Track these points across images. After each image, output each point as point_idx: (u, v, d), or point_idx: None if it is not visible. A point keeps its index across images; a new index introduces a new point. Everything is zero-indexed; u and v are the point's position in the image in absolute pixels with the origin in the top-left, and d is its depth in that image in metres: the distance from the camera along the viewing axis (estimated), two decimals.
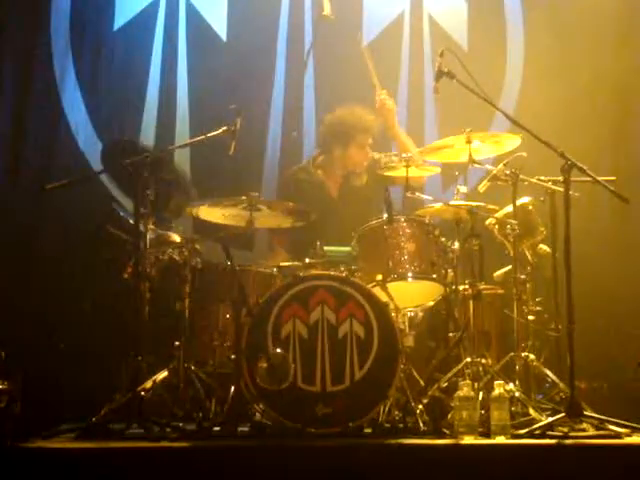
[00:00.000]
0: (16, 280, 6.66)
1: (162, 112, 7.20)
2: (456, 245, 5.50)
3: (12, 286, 6.62)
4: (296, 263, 5.50)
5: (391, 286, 5.30)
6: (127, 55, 7.17)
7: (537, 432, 4.75)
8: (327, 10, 6.48)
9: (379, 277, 5.29)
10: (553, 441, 4.60)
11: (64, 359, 6.32)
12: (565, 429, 4.79)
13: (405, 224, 5.45)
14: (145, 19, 7.27)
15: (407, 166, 5.52)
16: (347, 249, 5.59)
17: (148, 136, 7.13)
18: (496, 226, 5.69)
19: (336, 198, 6.46)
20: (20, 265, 6.70)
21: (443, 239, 5.49)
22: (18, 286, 6.64)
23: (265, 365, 4.79)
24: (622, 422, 4.79)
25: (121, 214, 5.60)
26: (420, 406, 5.00)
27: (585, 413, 4.83)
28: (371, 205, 6.17)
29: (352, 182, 6.46)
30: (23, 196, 6.79)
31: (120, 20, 7.23)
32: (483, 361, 5.29)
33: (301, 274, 5.14)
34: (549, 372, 5.47)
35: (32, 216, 6.80)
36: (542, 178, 5.69)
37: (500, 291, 5.87)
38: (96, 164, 6.88)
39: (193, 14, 7.31)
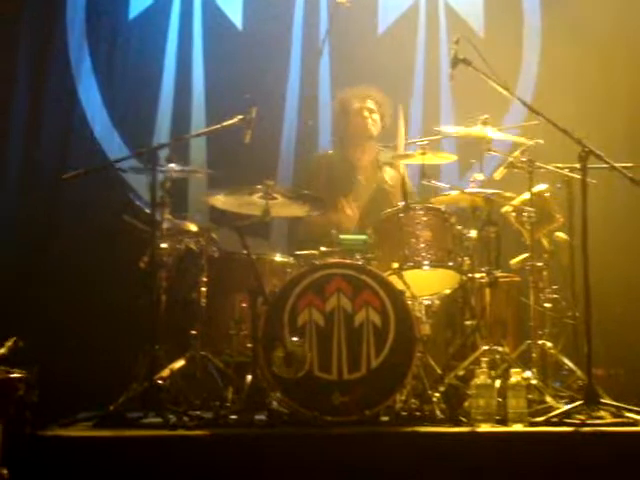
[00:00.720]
0: (32, 271, 6.68)
1: (178, 101, 7.19)
2: (472, 233, 5.49)
3: (29, 277, 6.65)
4: (312, 251, 5.49)
5: (407, 274, 5.29)
6: (142, 45, 7.16)
7: (554, 420, 4.75)
8: None
9: (395, 265, 5.29)
10: (570, 429, 4.60)
11: (82, 348, 6.34)
12: (582, 417, 4.77)
13: (421, 212, 5.44)
14: (160, 8, 7.26)
15: (423, 154, 5.51)
16: (363, 237, 5.58)
17: (164, 125, 7.13)
18: (513, 214, 5.68)
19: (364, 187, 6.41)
20: (35, 256, 6.72)
21: (459, 227, 5.47)
22: (35, 276, 6.66)
23: (282, 354, 4.80)
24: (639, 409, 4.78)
25: (138, 203, 5.60)
26: (437, 394, 5.00)
27: (602, 400, 4.82)
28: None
29: (386, 179, 6.36)
30: (39, 186, 6.81)
31: (135, 10, 7.22)
32: (500, 349, 5.30)
33: (317, 262, 5.15)
34: (566, 360, 5.46)
35: (49, 206, 6.82)
36: (559, 165, 5.66)
37: (517, 279, 5.86)
38: (112, 153, 6.91)
39: (209, 3, 7.29)
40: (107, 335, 6.33)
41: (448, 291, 5.56)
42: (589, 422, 4.70)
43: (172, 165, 5.37)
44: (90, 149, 6.97)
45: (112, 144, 6.98)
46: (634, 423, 4.69)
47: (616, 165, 4.99)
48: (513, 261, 5.88)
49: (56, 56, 7.07)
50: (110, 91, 7.10)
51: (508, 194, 5.60)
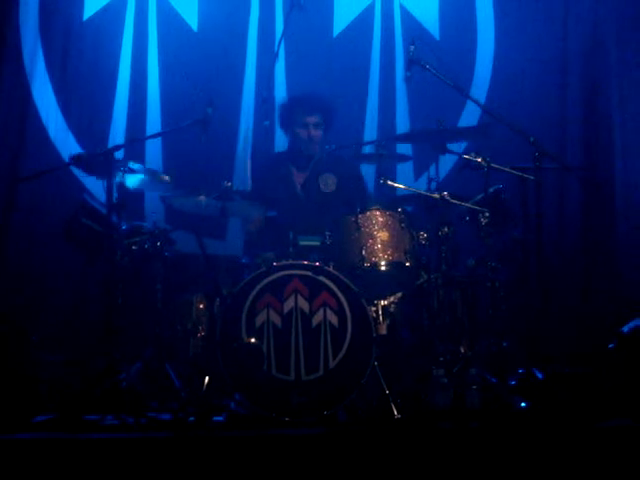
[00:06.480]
0: None
1: (133, 102, 7.14)
2: (429, 233, 5.52)
3: None
4: (269, 253, 5.50)
5: (364, 275, 5.32)
6: (97, 45, 7.10)
7: None
8: None
9: (353, 266, 5.31)
10: None
11: (38, 352, 6.29)
12: None
13: (378, 213, 5.47)
14: (115, 8, 7.20)
15: (379, 154, 5.55)
16: (321, 239, 5.59)
17: (119, 126, 7.08)
18: (468, 214, 5.71)
19: (302, 197, 6.32)
20: None
21: (416, 227, 5.50)
22: None
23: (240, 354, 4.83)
24: None
25: (93, 205, 5.58)
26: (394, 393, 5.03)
27: None
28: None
29: (321, 188, 6.28)
30: None
31: (89, 10, 7.16)
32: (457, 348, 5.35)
33: (275, 264, 5.15)
34: None
35: (3, 207, 6.75)
36: (514, 166, 5.70)
37: (473, 279, 5.89)
38: (67, 155, 6.85)
39: (163, 4, 7.24)
40: (65, 337, 6.30)
41: (405, 291, 5.60)
42: None
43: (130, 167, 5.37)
44: (45, 150, 6.91)
45: (67, 145, 6.92)
46: None
47: (569, 166, 5.05)
48: (469, 261, 5.92)
49: (9, 56, 6.99)
50: (64, 92, 7.03)
51: (464, 194, 5.64)
